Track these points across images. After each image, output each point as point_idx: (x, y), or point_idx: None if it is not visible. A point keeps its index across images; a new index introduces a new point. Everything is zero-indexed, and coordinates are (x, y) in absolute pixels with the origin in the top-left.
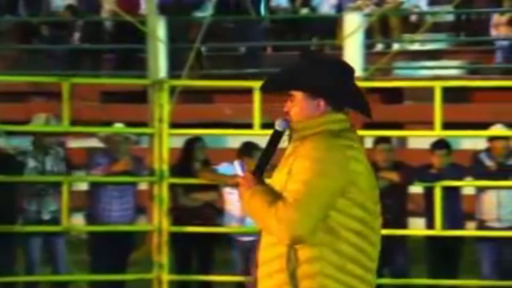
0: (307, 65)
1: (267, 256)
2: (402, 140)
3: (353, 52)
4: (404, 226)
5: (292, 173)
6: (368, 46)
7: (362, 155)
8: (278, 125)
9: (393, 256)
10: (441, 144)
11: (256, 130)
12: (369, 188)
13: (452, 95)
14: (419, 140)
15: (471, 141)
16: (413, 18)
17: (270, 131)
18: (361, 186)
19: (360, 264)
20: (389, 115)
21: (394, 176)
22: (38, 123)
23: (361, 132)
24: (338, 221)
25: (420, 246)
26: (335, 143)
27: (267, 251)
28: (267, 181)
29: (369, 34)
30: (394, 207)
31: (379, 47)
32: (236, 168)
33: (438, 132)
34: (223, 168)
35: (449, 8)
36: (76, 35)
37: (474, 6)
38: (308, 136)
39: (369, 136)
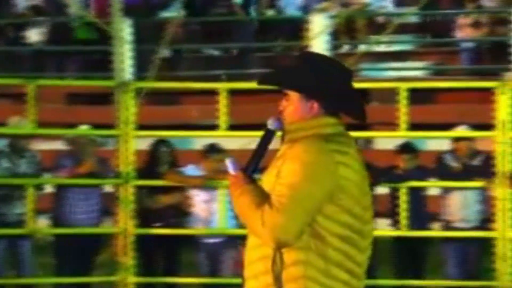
0: (305, 65)
1: (253, 257)
2: (368, 141)
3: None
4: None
5: (280, 176)
6: (334, 48)
7: (354, 160)
8: (271, 124)
9: None
10: (406, 149)
11: (222, 131)
12: (359, 194)
13: (417, 96)
14: (385, 141)
15: (435, 142)
16: (379, 19)
17: (236, 133)
18: (350, 192)
19: (345, 269)
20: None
21: None
22: (13, 126)
23: None
24: (324, 227)
25: (386, 246)
26: (325, 148)
27: (253, 252)
28: (258, 181)
29: (335, 35)
30: None
31: (345, 48)
32: (227, 165)
33: (403, 133)
34: (189, 170)
35: (414, 9)
36: (38, 36)
37: (439, 8)
38: (299, 139)
39: None
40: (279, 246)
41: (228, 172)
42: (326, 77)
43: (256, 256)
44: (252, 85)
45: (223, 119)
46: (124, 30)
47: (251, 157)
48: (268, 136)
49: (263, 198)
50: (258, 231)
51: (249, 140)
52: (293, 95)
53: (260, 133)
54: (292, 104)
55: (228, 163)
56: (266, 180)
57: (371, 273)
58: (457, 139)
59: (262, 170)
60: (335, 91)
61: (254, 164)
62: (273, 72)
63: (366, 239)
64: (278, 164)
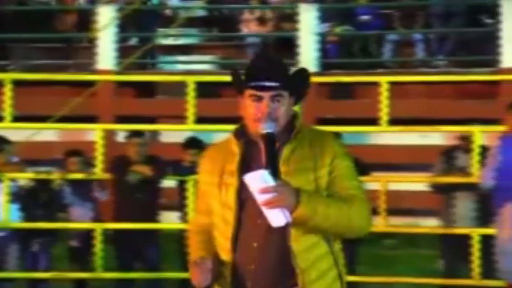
0: (280, 64)
1: (310, 259)
2: (155, 134)
3: (106, 45)
4: (156, 220)
5: (339, 173)
6: (122, 40)
7: None
8: (269, 127)
9: (145, 250)
10: (192, 144)
11: (7, 123)
12: None
13: (204, 90)
14: (172, 134)
15: (223, 135)
16: (167, 12)
17: (21, 125)
18: None
19: None
20: (142, 109)
21: (146, 170)
22: None
23: (113, 126)
24: None
25: (174, 240)
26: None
27: (308, 254)
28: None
29: (123, 27)
30: (147, 201)
31: (133, 41)
32: (264, 178)
33: (190, 126)
34: None
35: (201, 3)
36: None
37: (225, 2)
38: (304, 135)
39: (122, 130)
40: (362, 236)
41: (263, 186)
42: (300, 72)
43: (313, 257)
44: (40, 76)
45: (8, 111)
46: None
47: (269, 163)
48: (272, 140)
49: (336, 197)
50: (354, 226)
51: (33, 132)
52: (285, 96)
53: (47, 125)
54: (284, 105)
55: (264, 175)
56: (302, 181)
57: (157, 266)
58: None
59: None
60: (307, 85)
61: (276, 170)
62: (272, 71)
63: None
64: (316, 164)
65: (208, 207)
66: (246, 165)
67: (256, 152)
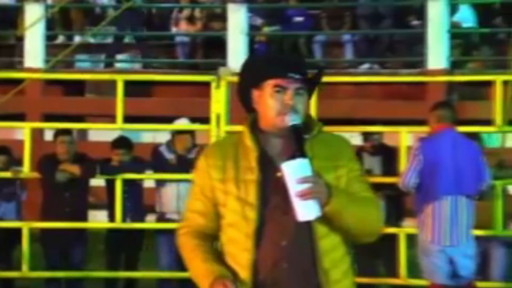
0: (303, 58)
1: (336, 259)
2: (83, 133)
3: (34, 43)
4: (84, 219)
5: (356, 174)
6: (50, 38)
7: None
8: (294, 120)
9: (72, 248)
10: (120, 143)
11: None
12: None
13: (133, 89)
14: (101, 133)
15: (151, 134)
16: (96, 10)
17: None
18: None
19: None
20: (71, 108)
21: (75, 169)
22: None
23: (41, 125)
24: None
25: (101, 238)
26: None
27: (333, 254)
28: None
29: (51, 25)
30: (75, 199)
31: (61, 39)
32: (303, 167)
33: (119, 126)
34: None
35: (131, 3)
36: None
37: (155, 1)
38: (318, 134)
39: (50, 128)
40: (373, 238)
41: (302, 176)
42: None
43: (337, 257)
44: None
45: None
46: None
47: (299, 156)
48: (300, 131)
49: (358, 195)
50: (376, 223)
51: None
52: (305, 91)
53: None
54: (305, 100)
55: (298, 165)
56: (325, 178)
57: (82, 265)
58: (176, 133)
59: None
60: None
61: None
62: (290, 62)
63: None
64: (335, 164)
65: (206, 208)
66: (266, 160)
67: (276, 146)
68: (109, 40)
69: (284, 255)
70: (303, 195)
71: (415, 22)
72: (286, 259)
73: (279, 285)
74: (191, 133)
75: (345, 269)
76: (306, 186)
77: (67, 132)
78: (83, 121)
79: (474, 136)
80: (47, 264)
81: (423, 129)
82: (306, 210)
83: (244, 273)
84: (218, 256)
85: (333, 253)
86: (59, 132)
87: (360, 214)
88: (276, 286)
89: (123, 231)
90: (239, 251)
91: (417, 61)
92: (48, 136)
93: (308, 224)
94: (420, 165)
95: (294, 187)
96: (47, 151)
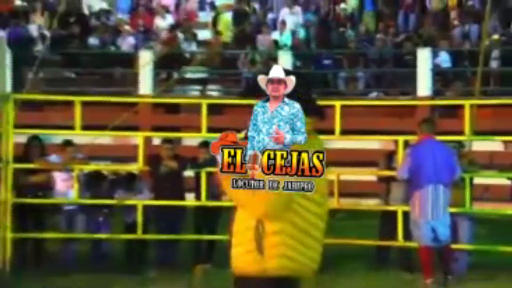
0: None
1: None
2: (179, 139)
3: (146, 78)
4: (182, 199)
5: None
6: (157, 74)
7: None
8: None
9: (175, 219)
10: (204, 145)
11: (78, 130)
12: None
13: (212, 109)
14: (191, 140)
15: None
16: (187, 55)
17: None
18: None
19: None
20: (170, 122)
21: (173, 165)
22: None
23: (150, 134)
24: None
25: (191, 213)
26: None
27: None
28: None
29: (158, 65)
30: (174, 186)
31: (164, 75)
32: None
33: (203, 134)
34: (52, 158)
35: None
36: None
37: (229, 48)
38: None
39: (156, 136)
40: None
41: None
42: None
43: None
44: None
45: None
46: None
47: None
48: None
49: None
50: None
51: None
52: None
53: None
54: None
55: None
56: None
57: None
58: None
59: None
60: None
61: None
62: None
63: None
64: None
65: None
66: None
67: None
68: (196, 75)
69: None
70: None
71: (410, 57)
72: None
73: None
74: None
75: None
76: None
77: (169, 141)
78: (179, 131)
79: (458, 143)
80: (156, 231)
81: (413, 138)
82: None
83: None
84: None
85: None
86: (164, 141)
87: None
88: None
89: (206, 207)
90: None
91: (410, 91)
92: (155, 141)
93: None
94: (410, 163)
95: None
96: (154, 152)
